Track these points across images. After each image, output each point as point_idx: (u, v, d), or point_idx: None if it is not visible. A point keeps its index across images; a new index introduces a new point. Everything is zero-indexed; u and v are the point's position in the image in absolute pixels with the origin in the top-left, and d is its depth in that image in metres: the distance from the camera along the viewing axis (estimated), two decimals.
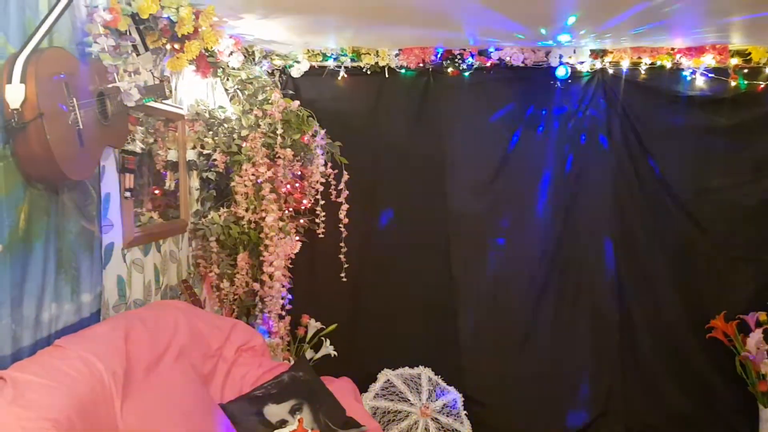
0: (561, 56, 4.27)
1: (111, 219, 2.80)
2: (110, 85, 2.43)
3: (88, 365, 2.19)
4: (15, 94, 1.96)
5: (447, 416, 4.08)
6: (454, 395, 4.19)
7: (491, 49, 4.29)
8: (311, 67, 4.34)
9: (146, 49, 2.72)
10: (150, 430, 2.22)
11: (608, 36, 3.97)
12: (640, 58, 4.27)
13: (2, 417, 1.76)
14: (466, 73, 4.33)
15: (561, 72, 4.26)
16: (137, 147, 2.99)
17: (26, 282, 2.18)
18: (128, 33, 2.53)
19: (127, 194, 2.91)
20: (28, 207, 2.17)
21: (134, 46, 2.59)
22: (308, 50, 4.32)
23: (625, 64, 4.30)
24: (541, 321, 4.44)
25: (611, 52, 4.30)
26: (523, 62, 4.27)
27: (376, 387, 4.14)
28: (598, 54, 4.31)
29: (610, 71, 4.34)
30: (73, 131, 2.18)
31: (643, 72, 4.30)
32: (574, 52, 4.25)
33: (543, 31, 3.85)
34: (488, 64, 4.31)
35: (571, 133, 4.43)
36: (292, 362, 3.53)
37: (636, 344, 4.41)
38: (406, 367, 4.28)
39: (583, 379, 4.42)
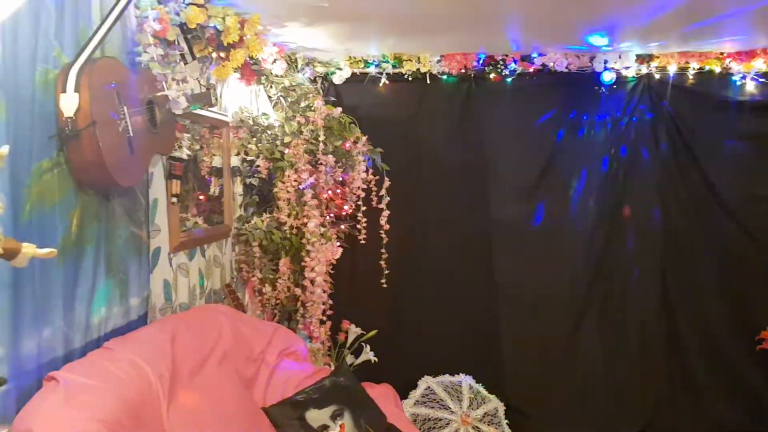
0: (606, 61, 4.22)
1: (158, 224, 2.86)
2: (159, 94, 2.48)
3: (136, 368, 2.23)
4: (69, 103, 2.02)
5: (488, 425, 4.05)
6: (495, 404, 4.15)
7: (534, 55, 4.26)
8: (353, 74, 4.37)
9: (193, 57, 2.77)
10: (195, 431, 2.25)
11: (655, 39, 3.90)
12: (687, 62, 4.20)
13: (55, 417, 1.81)
14: (509, 79, 4.31)
15: (607, 77, 4.21)
16: (184, 154, 3.04)
17: (78, 286, 2.24)
18: (176, 42, 2.58)
19: (174, 200, 2.97)
20: (80, 212, 2.23)
21: (182, 55, 2.64)
22: (350, 57, 4.35)
23: (672, 69, 4.22)
24: (586, 330, 4.37)
25: (658, 57, 4.24)
26: (566, 68, 4.23)
27: (416, 394, 4.13)
28: (644, 59, 4.24)
29: (657, 76, 4.27)
30: (124, 139, 2.24)
31: (690, 77, 4.23)
32: (620, 57, 4.20)
33: (591, 39, 3.81)
34: (531, 70, 4.28)
35: (616, 139, 4.37)
36: (333, 367, 3.55)
37: (684, 355, 4.32)
38: (447, 375, 4.26)
39: (629, 390, 4.34)
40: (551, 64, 4.23)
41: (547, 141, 4.37)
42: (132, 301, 2.63)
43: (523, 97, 4.33)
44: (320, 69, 4.36)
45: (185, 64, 2.71)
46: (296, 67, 4.21)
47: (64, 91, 2.02)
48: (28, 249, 1.46)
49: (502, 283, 4.40)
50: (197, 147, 3.37)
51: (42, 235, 2.00)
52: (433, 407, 4.05)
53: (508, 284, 4.40)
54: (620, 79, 4.28)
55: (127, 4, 2.26)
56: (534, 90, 4.32)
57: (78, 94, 2.03)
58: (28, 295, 1.95)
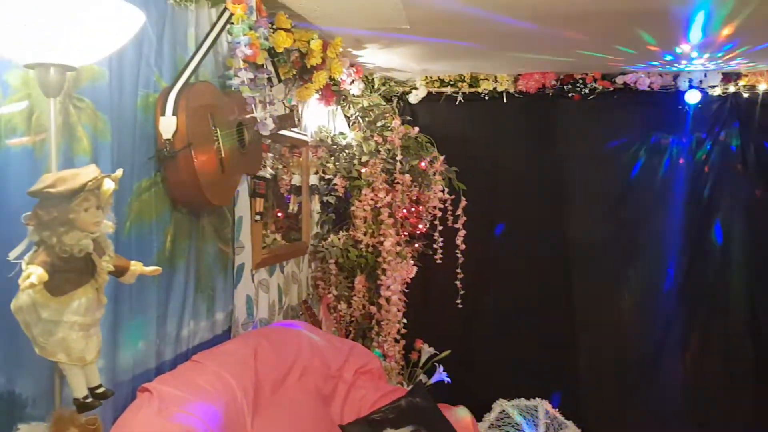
0: (691, 80, 4.12)
1: (242, 241, 2.94)
2: (248, 116, 2.57)
3: (223, 381, 2.30)
4: (168, 126, 2.11)
5: None
6: (572, 430, 4.06)
7: (615, 74, 4.19)
8: (429, 93, 4.40)
9: (279, 80, 2.86)
10: None
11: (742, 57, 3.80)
12: None
13: (149, 428, 1.88)
14: (589, 98, 4.25)
15: (691, 97, 4.10)
16: (267, 173, 3.13)
17: (170, 300, 2.33)
18: (264, 66, 2.67)
19: (257, 218, 3.05)
20: (174, 230, 2.32)
21: (269, 78, 2.72)
22: (426, 77, 4.39)
23: (761, 88, 4.08)
24: (668, 355, 4.24)
25: (746, 75, 4.11)
26: (649, 86, 4.14)
27: (491, 417, 4.09)
28: (731, 77, 4.12)
29: (745, 95, 4.14)
30: (216, 159, 2.32)
31: None
32: (705, 75, 4.09)
33: (675, 52, 3.72)
34: (612, 89, 4.21)
35: (701, 160, 4.25)
36: (408, 387, 3.55)
37: None
38: (522, 398, 4.20)
39: (713, 419, 4.17)
40: (633, 82, 4.15)
41: (627, 161, 4.29)
42: (218, 315, 2.71)
43: (603, 117, 4.27)
44: (396, 89, 4.41)
45: (272, 86, 2.79)
46: (372, 86, 4.27)
47: (163, 114, 2.12)
48: (136, 267, 1.53)
49: (579, 305, 4.32)
50: (279, 166, 3.46)
51: (140, 251, 2.10)
52: (508, 431, 4.00)
53: (586, 306, 4.31)
54: (706, 98, 4.16)
55: (221, 31, 2.37)
56: (615, 109, 4.25)
57: (176, 117, 2.12)
58: (126, 309, 2.04)
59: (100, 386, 1.46)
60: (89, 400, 1.43)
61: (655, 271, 4.28)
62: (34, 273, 1.25)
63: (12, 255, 1.34)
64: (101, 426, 1.49)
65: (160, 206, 2.22)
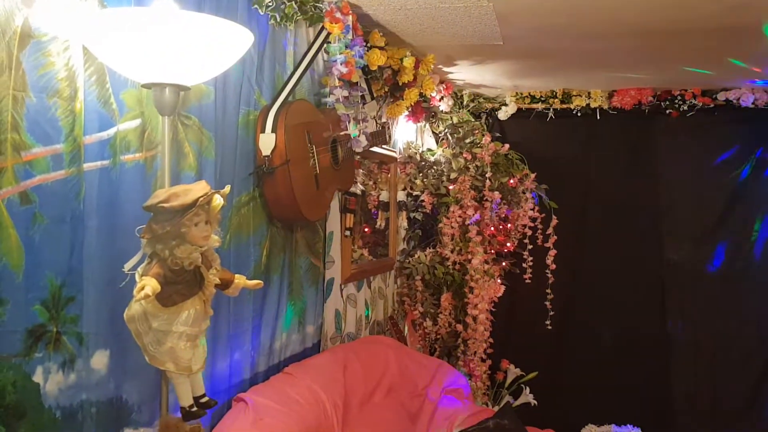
0: None
1: (333, 256, 2.98)
2: (342, 133, 2.61)
3: (314, 394, 2.33)
4: (267, 142, 2.17)
5: None
6: None
7: (717, 90, 4.02)
8: (518, 110, 4.35)
9: (372, 97, 2.89)
10: None
11: None
12: None
13: None
14: (687, 115, 4.08)
15: None
16: (358, 189, 3.17)
17: (264, 312, 2.38)
18: (359, 84, 2.71)
19: (347, 233, 3.08)
20: (269, 243, 2.38)
21: (362, 96, 2.76)
22: (516, 93, 4.34)
23: None
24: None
25: None
26: (753, 103, 3.94)
27: None
28: None
29: None
30: (312, 175, 2.37)
31: None
32: None
33: None
34: (712, 105, 4.03)
35: None
36: (493, 408, 3.49)
37: None
38: (613, 425, 4.05)
39: None
40: (735, 99, 3.97)
41: (728, 180, 4.09)
42: (308, 328, 2.75)
43: (702, 134, 4.09)
44: (486, 105, 4.38)
45: (364, 104, 2.83)
46: (462, 103, 4.26)
47: (263, 131, 2.18)
48: (240, 280, 1.57)
49: (674, 331, 4.14)
50: (370, 182, 3.49)
51: (237, 264, 2.16)
52: None
53: (682, 333, 4.12)
54: None
55: (318, 50, 2.42)
56: (715, 126, 4.07)
57: (275, 134, 2.18)
58: (224, 320, 2.10)
59: (204, 395, 1.51)
60: (194, 408, 1.47)
61: (758, 295, 4.04)
62: (148, 284, 1.30)
63: (127, 267, 1.40)
64: None
65: (258, 220, 2.28)
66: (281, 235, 2.48)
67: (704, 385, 4.07)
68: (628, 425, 4.01)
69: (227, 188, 1.45)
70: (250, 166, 2.21)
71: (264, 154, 2.17)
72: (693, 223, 4.14)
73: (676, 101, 4.06)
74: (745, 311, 4.06)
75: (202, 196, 1.36)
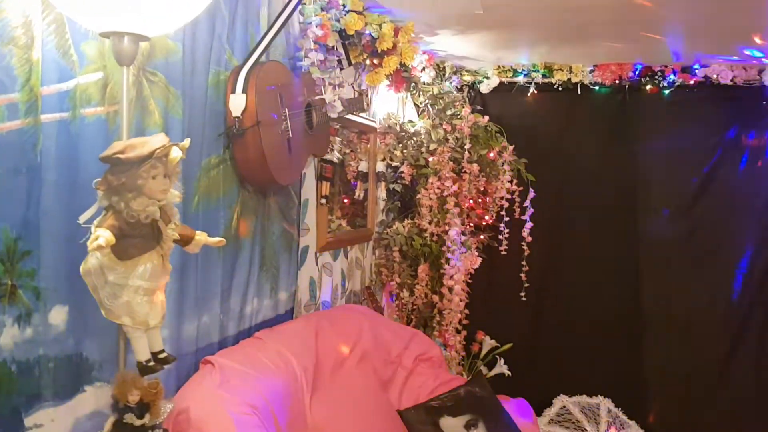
0: None
1: (308, 223, 2.96)
2: (317, 97, 2.58)
3: (284, 359, 2.32)
4: (237, 103, 2.14)
5: None
6: (635, 430, 3.94)
7: (696, 66, 4.01)
8: (500, 83, 4.33)
9: (349, 63, 2.86)
10: (334, 426, 2.31)
11: None
12: None
13: (210, 398, 1.92)
14: (666, 91, 4.08)
15: None
16: (335, 157, 3.14)
17: (235, 277, 2.37)
18: (335, 48, 2.67)
19: (323, 201, 3.07)
20: (240, 207, 2.35)
21: (339, 61, 2.72)
22: (499, 66, 4.31)
23: None
24: (740, 358, 4.05)
25: None
26: (732, 80, 3.95)
27: (551, 412, 4.00)
28: None
29: None
30: (284, 139, 2.34)
31: None
32: None
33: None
34: (692, 82, 4.03)
35: None
36: (467, 378, 3.51)
37: None
38: (584, 395, 4.10)
39: None
40: (714, 76, 3.97)
41: (705, 158, 4.11)
42: (281, 295, 2.74)
43: (681, 111, 4.09)
44: (468, 78, 4.36)
45: (341, 69, 2.79)
46: (444, 75, 4.23)
47: (233, 91, 2.15)
48: (201, 236, 1.55)
49: (649, 303, 4.17)
50: (346, 150, 3.46)
51: (206, 227, 2.12)
52: (568, 428, 3.91)
53: (655, 306, 4.16)
54: None
55: (293, 11, 2.38)
56: (694, 103, 4.07)
57: (245, 95, 2.14)
58: (191, 281, 2.08)
59: (162, 351, 1.49)
60: (151, 363, 1.46)
61: (730, 270, 4.08)
62: (102, 235, 1.28)
63: (82, 219, 1.38)
64: (163, 390, 1.52)
65: (228, 183, 2.26)
66: (253, 199, 2.45)
67: (676, 357, 4.12)
68: (599, 396, 4.07)
69: (187, 141, 1.42)
70: (220, 128, 2.18)
71: (234, 115, 2.14)
72: (668, 200, 4.16)
73: (656, 77, 4.06)
74: (716, 286, 4.10)
75: (159, 148, 1.34)
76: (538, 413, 3.97)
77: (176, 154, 1.37)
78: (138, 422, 1.45)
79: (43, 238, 1.51)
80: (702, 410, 4.06)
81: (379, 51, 3.14)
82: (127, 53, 1.43)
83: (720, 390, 4.07)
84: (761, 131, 4.06)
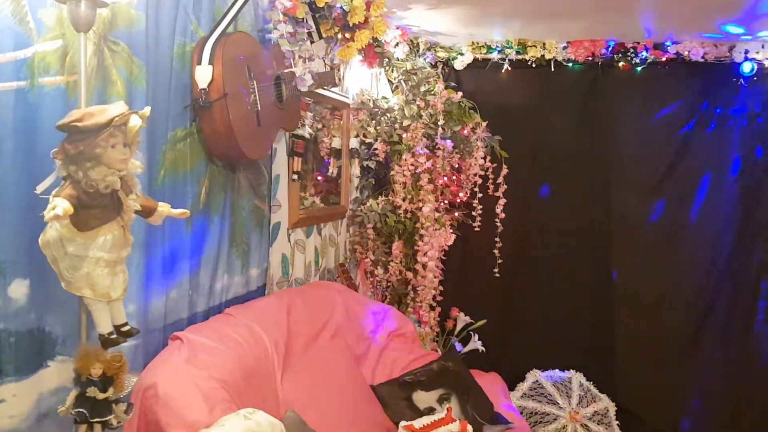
0: (747, 51, 3.92)
1: (279, 200, 2.94)
2: (286, 70, 2.54)
3: (254, 334, 2.31)
4: (204, 75, 2.10)
5: (598, 424, 3.91)
6: (606, 404, 4.00)
7: (668, 43, 4.02)
8: (474, 60, 4.30)
9: (320, 36, 2.82)
10: (306, 402, 2.30)
11: None
12: None
13: (178, 373, 1.90)
14: (639, 68, 4.08)
15: (746, 68, 3.91)
16: (306, 132, 3.11)
17: (203, 252, 2.34)
18: (305, 21, 2.63)
19: (295, 177, 3.04)
20: (209, 182, 2.32)
21: (309, 34, 2.69)
22: (472, 42, 4.28)
23: None
24: (709, 334, 4.11)
25: None
26: (703, 57, 3.96)
27: (524, 387, 4.04)
28: None
29: None
30: (252, 112, 2.31)
31: None
32: (763, 47, 3.89)
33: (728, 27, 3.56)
34: (664, 59, 4.03)
35: (753, 136, 4.05)
36: (441, 353, 3.53)
37: None
38: (557, 370, 4.14)
39: (752, 402, 4.05)
40: (686, 53, 3.98)
41: (676, 135, 4.12)
42: (252, 271, 2.72)
43: (653, 88, 4.10)
44: (442, 54, 4.33)
45: (312, 42, 2.76)
46: (418, 51, 4.20)
47: (199, 63, 2.11)
48: (164, 208, 1.53)
49: (619, 280, 4.21)
50: (319, 126, 3.43)
51: (173, 201, 2.06)
52: (540, 401, 3.95)
53: (626, 282, 4.20)
54: (762, 71, 3.94)
55: None
56: (666, 80, 4.08)
57: (212, 66, 2.10)
58: (158, 256, 2.05)
59: (125, 324, 1.47)
60: (114, 336, 1.44)
61: (699, 248, 4.13)
62: (59, 205, 1.25)
63: (39, 189, 1.35)
64: (126, 363, 1.50)
65: (196, 157, 2.22)
66: (222, 174, 2.42)
67: (646, 331, 4.17)
68: (571, 370, 4.12)
69: (147, 109, 1.39)
70: (186, 100, 2.14)
71: (200, 87, 2.10)
72: (639, 176, 4.17)
73: (629, 54, 4.06)
74: (686, 261, 4.15)
75: (118, 116, 1.31)
76: (512, 388, 4.00)
77: (136, 122, 1.34)
78: (101, 396, 1.43)
79: (1, 210, 1.47)
80: (670, 384, 4.13)
81: (351, 25, 3.09)
82: (85, 19, 1.39)
83: (688, 364, 4.13)
84: (733, 108, 4.09)
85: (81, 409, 1.43)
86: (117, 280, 1.41)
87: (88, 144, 1.30)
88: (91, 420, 1.43)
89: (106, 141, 1.31)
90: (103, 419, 1.45)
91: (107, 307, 1.42)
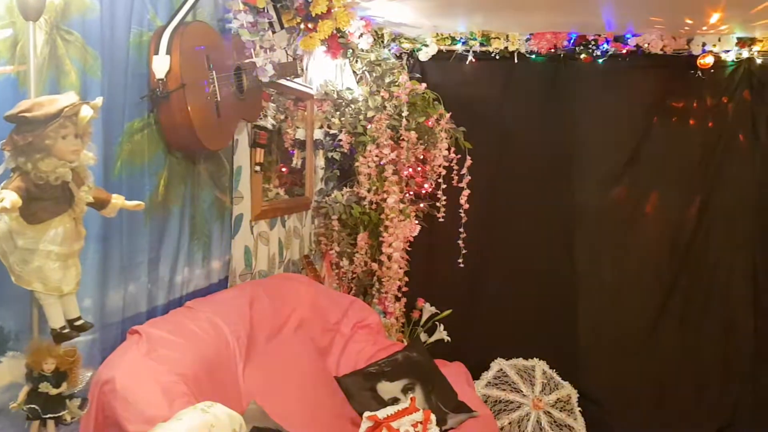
0: (704, 44, 4.00)
1: (241, 191, 2.91)
2: (247, 61, 2.52)
3: (215, 328, 2.29)
4: (161, 65, 2.07)
5: (560, 411, 3.97)
6: (568, 391, 4.06)
7: (628, 35, 4.07)
8: (439, 51, 4.31)
9: (282, 27, 2.79)
10: (269, 394, 2.29)
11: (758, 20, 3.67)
12: None
13: (137, 368, 1.88)
14: (600, 60, 4.13)
15: (704, 61, 3.99)
16: (269, 123, 3.09)
17: (163, 245, 2.31)
18: (266, 10, 2.61)
19: (257, 168, 3.02)
20: (168, 174, 2.29)
21: (270, 24, 2.66)
22: (437, 34, 4.29)
23: None
24: (667, 321, 4.21)
25: (761, 41, 3.99)
26: (662, 50, 4.02)
27: (488, 375, 4.08)
28: (745, 42, 4.00)
29: (758, 61, 4.02)
30: (212, 103, 2.28)
31: None
32: (719, 40, 3.97)
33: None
34: (624, 51, 4.09)
35: (711, 126, 4.15)
36: (407, 343, 3.55)
37: None
38: (520, 358, 4.19)
39: (709, 386, 4.17)
40: (646, 45, 4.04)
41: (636, 126, 4.20)
42: (214, 264, 2.70)
43: (614, 80, 4.16)
44: (406, 45, 4.32)
45: (273, 33, 2.73)
46: (382, 42, 4.19)
47: (156, 53, 2.07)
48: (117, 200, 1.50)
49: (581, 269, 4.28)
50: (282, 117, 3.41)
51: (130, 193, 2.04)
52: (504, 389, 4.00)
53: (588, 271, 4.27)
54: (719, 64, 4.04)
55: None
56: (626, 72, 4.14)
57: (170, 56, 2.07)
58: (115, 249, 2.02)
59: (79, 318, 1.45)
60: (66, 330, 1.41)
61: (659, 237, 4.22)
62: (7, 197, 1.22)
63: None
64: (80, 358, 1.47)
65: (154, 148, 2.19)
66: (182, 165, 2.39)
67: (607, 319, 4.25)
68: (535, 358, 4.17)
69: (99, 100, 1.37)
70: (143, 90, 2.11)
71: (157, 77, 2.07)
72: (601, 166, 4.25)
73: (590, 46, 4.11)
74: (646, 251, 4.23)
75: (68, 107, 1.28)
76: (477, 377, 4.05)
77: (86, 112, 1.31)
78: (54, 391, 1.41)
79: None
80: (631, 369, 4.22)
81: (313, 15, 3.07)
82: (34, 7, 1.36)
83: (648, 349, 4.22)
84: (691, 99, 4.17)
85: (33, 405, 1.41)
86: (69, 274, 1.39)
87: (38, 135, 1.27)
88: (44, 416, 1.41)
89: (57, 132, 1.28)
90: (57, 415, 1.43)
91: (59, 301, 1.40)
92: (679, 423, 4.17)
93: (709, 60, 3.99)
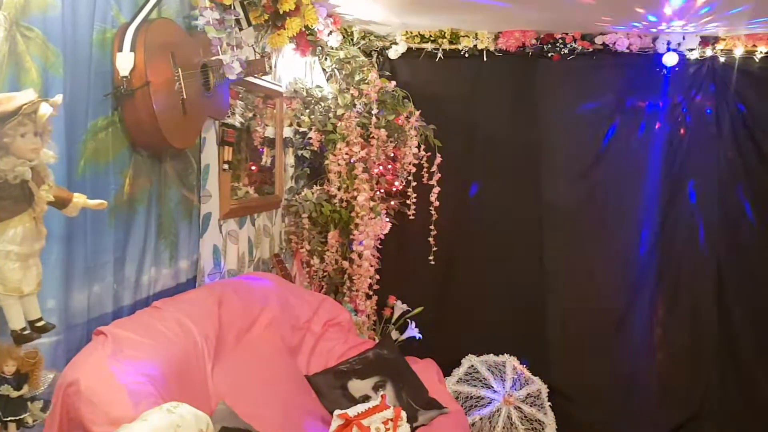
0: (669, 43, 4.07)
1: (209, 190, 2.88)
2: (213, 58, 2.50)
3: (183, 327, 2.27)
4: (125, 62, 2.04)
5: (531, 406, 4.00)
6: (538, 385, 4.10)
7: (595, 34, 4.12)
8: (408, 49, 4.32)
9: (249, 24, 2.77)
10: (238, 394, 2.28)
11: (720, 20, 3.74)
12: (755, 46, 4.01)
13: (102, 369, 1.85)
14: (568, 58, 4.18)
15: (669, 59, 4.06)
16: (237, 121, 3.07)
17: (128, 245, 2.28)
18: (233, 7, 2.59)
19: (225, 166, 2.99)
20: (133, 172, 2.26)
21: (237, 21, 2.64)
22: (406, 32, 4.30)
23: (738, 53, 4.03)
24: (635, 316, 4.27)
25: (724, 39, 4.06)
26: (628, 48, 4.08)
27: (459, 372, 4.11)
28: (709, 41, 4.07)
29: (722, 59, 4.09)
30: (177, 100, 2.26)
31: (758, 61, 4.03)
32: (684, 38, 4.04)
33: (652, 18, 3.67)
34: (591, 49, 4.14)
35: (676, 123, 4.22)
36: (378, 341, 3.55)
37: (736, 345, 4.18)
38: (491, 354, 4.23)
39: (677, 378, 4.23)
40: (612, 43, 4.09)
41: (604, 124, 4.25)
42: (181, 263, 2.67)
43: (581, 78, 4.21)
44: (376, 43, 4.32)
45: (240, 30, 2.71)
46: (352, 40, 4.19)
47: (120, 50, 2.05)
48: (79, 199, 1.48)
49: (550, 265, 4.32)
50: (250, 116, 3.39)
51: (95, 192, 2.02)
52: (475, 386, 4.03)
53: (557, 267, 4.32)
54: (683, 62, 4.10)
55: None
56: (593, 70, 4.19)
57: (134, 53, 2.05)
58: (79, 249, 1.99)
59: (40, 319, 1.42)
60: (27, 332, 1.39)
61: (626, 233, 4.28)
62: None
63: None
64: (42, 360, 1.45)
65: (118, 147, 2.16)
66: (147, 164, 2.36)
67: (577, 315, 4.30)
68: (506, 354, 4.21)
69: (58, 97, 1.35)
70: (107, 88, 2.08)
71: (121, 74, 2.04)
72: (570, 165, 4.30)
73: (558, 45, 4.15)
74: (614, 248, 4.29)
75: (26, 104, 1.26)
76: (448, 373, 4.07)
77: (46, 110, 1.29)
78: (15, 393, 1.39)
79: None
80: (600, 364, 4.27)
81: (281, 12, 3.06)
82: None
83: (616, 346, 4.28)
84: (656, 97, 4.23)
85: None
86: (30, 274, 1.36)
87: None
88: (5, 419, 1.38)
89: (15, 130, 1.26)
90: (18, 418, 1.40)
91: (20, 301, 1.37)
92: (648, 415, 4.23)
93: (674, 58, 4.05)
